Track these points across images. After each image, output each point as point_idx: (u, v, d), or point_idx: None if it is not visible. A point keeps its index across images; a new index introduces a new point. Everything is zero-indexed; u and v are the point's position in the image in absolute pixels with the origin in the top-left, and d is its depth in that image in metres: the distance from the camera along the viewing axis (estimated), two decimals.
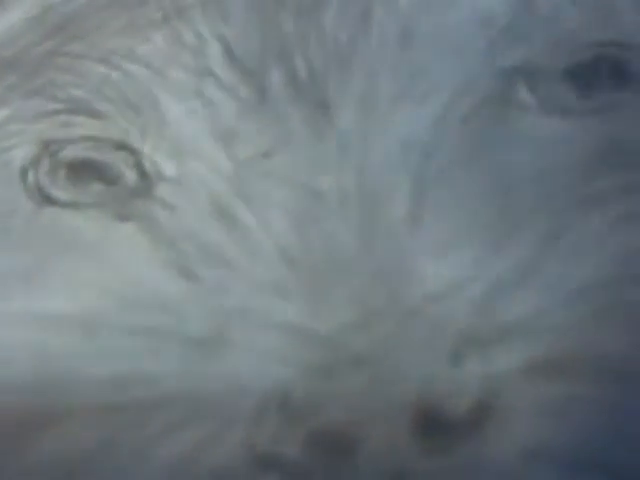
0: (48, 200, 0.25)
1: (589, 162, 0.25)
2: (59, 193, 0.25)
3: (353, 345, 0.22)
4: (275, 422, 0.21)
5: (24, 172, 0.26)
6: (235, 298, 0.23)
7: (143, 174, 0.25)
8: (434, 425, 0.21)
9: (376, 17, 0.27)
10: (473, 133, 0.25)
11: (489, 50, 0.27)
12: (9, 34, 0.29)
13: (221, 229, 0.24)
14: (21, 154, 0.26)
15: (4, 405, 0.22)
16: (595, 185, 0.24)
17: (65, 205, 0.25)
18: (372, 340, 0.22)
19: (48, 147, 0.26)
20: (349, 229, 0.24)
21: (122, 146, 0.26)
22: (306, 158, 0.25)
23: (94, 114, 0.27)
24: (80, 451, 0.22)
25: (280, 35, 0.27)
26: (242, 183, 0.25)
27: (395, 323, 0.22)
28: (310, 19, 0.27)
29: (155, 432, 0.22)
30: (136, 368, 0.22)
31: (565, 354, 0.22)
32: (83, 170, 0.26)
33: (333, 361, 0.22)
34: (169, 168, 0.26)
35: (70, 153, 0.26)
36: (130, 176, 0.25)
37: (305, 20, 0.27)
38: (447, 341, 0.22)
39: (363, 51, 0.26)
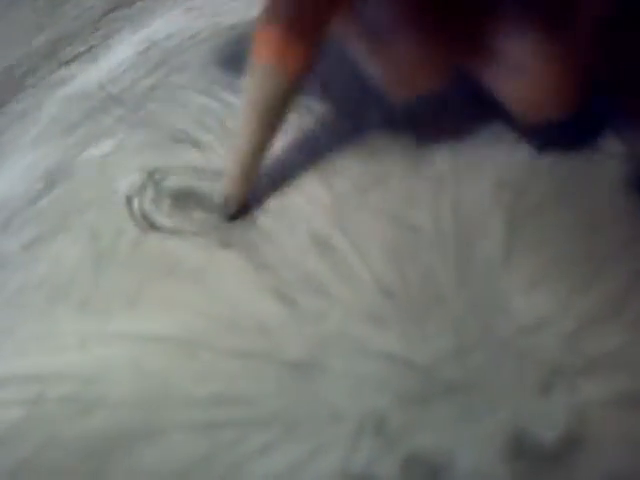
0: (152, 226, 0.26)
1: None
2: (163, 220, 0.26)
3: (447, 375, 0.23)
4: (370, 446, 0.22)
5: (130, 200, 0.27)
6: (332, 325, 0.24)
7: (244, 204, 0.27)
8: (523, 453, 0.22)
9: None
10: (562, 174, 0.26)
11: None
12: (116, 71, 0.30)
13: (320, 259, 0.25)
14: (127, 182, 0.27)
15: (105, 419, 0.23)
16: None
17: (169, 232, 0.26)
18: (465, 370, 0.23)
19: (152, 176, 0.27)
20: (444, 262, 0.25)
21: (222, 175, 0.27)
22: (402, 193, 0.26)
23: (196, 144, 0.28)
24: (177, 466, 0.22)
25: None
26: (340, 215, 0.26)
27: (487, 354, 0.23)
28: None
29: (251, 451, 0.22)
30: (234, 389, 0.23)
31: None
32: (186, 198, 0.27)
33: (427, 389, 0.23)
34: (269, 198, 0.27)
35: (173, 182, 0.27)
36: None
37: None
38: (537, 373, 0.23)
39: (458, 93, 0.27)
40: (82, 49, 0.31)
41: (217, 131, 0.28)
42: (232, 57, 0.29)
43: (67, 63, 0.31)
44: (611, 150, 0.27)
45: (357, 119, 0.27)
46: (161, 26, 0.31)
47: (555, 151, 0.26)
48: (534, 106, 0.25)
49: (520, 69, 0.24)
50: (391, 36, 0.24)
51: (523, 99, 0.25)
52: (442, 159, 0.26)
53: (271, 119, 0.25)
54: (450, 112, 0.27)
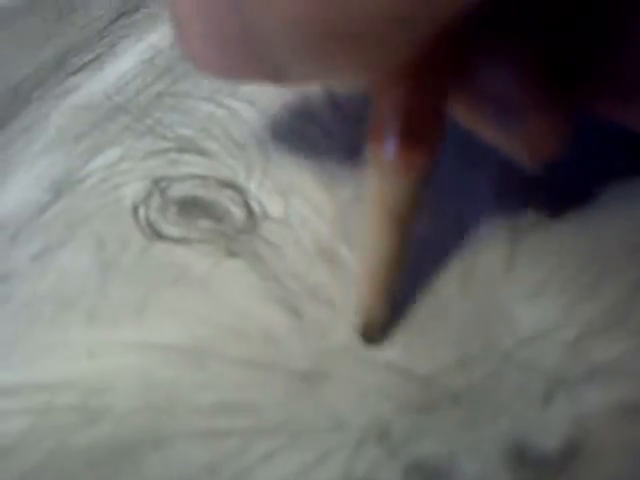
0: (158, 235, 0.27)
1: None
2: (169, 229, 0.27)
3: (450, 385, 0.23)
4: (373, 454, 0.22)
5: (135, 208, 0.27)
6: (337, 336, 0.24)
7: (250, 213, 0.27)
8: (525, 462, 0.22)
9: None
10: (565, 186, 0.26)
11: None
12: (122, 80, 0.30)
13: (324, 268, 0.25)
14: (132, 191, 0.28)
15: (112, 428, 0.23)
16: None
17: (175, 240, 0.26)
18: (468, 381, 0.23)
19: (158, 184, 0.28)
20: (447, 273, 0.25)
21: (229, 184, 0.27)
22: None
23: (201, 152, 0.28)
24: (183, 475, 0.22)
25: None
26: (345, 226, 0.26)
27: (489, 365, 0.23)
28: None
29: (256, 459, 0.22)
30: (241, 397, 0.23)
31: None
32: (192, 207, 0.27)
33: (430, 399, 0.23)
34: (275, 207, 0.27)
35: (179, 190, 0.27)
36: (237, 214, 0.27)
37: None
38: (538, 382, 0.23)
39: None
40: (89, 58, 0.31)
41: (222, 139, 0.28)
42: None
43: (74, 73, 0.31)
44: (614, 160, 0.27)
45: (362, 129, 0.27)
46: (166, 33, 0.31)
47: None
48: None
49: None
50: (519, 109, 0.23)
51: None
52: (444, 167, 0.26)
53: (403, 225, 0.23)
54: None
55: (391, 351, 0.24)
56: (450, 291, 0.25)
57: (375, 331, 0.24)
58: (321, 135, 0.28)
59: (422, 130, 0.22)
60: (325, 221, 0.26)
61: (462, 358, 0.23)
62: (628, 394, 0.23)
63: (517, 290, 0.24)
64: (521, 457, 0.22)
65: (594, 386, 0.23)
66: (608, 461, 0.22)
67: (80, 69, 0.31)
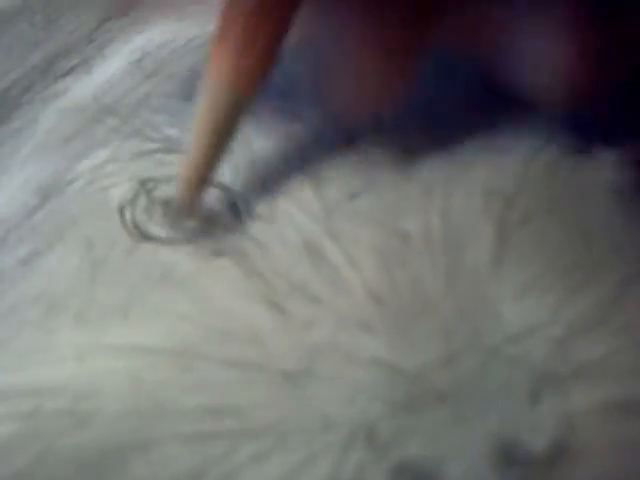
0: (145, 236, 0.26)
1: None
2: (155, 229, 0.27)
3: (436, 382, 0.23)
4: (360, 454, 0.22)
5: (122, 209, 0.27)
6: (323, 333, 0.24)
7: (236, 212, 0.27)
8: (512, 461, 0.22)
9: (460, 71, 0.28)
10: (554, 183, 0.26)
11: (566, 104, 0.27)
12: (110, 82, 0.30)
13: (310, 266, 0.25)
14: (119, 192, 0.28)
15: (100, 432, 0.23)
16: None
17: (161, 241, 0.26)
18: (454, 378, 0.23)
19: (144, 185, 0.27)
20: (434, 269, 0.25)
21: (215, 184, 0.27)
22: (392, 200, 0.26)
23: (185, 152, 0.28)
24: (171, 478, 0.22)
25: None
26: (330, 223, 0.26)
27: (477, 362, 0.23)
28: None
29: (244, 461, 0.22)
30: (227, 399, 0.23)
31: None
32: (176, 208, 0.27)
33: (417, 397, 0.23)
34: (260, 207, 0.27)
35: (165, 191, 0.27)
36: (223, 214, 0.27)
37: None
38: (526, 380, 0.23)
39: (448, 99, 0.27)
40: (77, 62, 0.31)
41: None
42: None
43: (62, 76, 0.31)
44: (602, 156, 0.27)
45: (348, 126, 0.27)
46: (154, 35, 0.31)
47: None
48: (552, 91, 0.25)
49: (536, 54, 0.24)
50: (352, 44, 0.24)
51: (539, 85, 0.25)
52: (432, 166, 0.26)
53: (221, 136, 0.26)
54: (440, 119, 0.27)
55: (377, 347, 0.24)
56: (437, 287, 0.24)
57: (183, 210, 0.26)
58: (307, 132, 0.28)
59: (251, 51, 0.25)
60: (311, 218, 0.26)
61: (448, 354, 0.23)
62: (615, 392, 0.22)
63: (505, 286, 0.24)
64: (509, 456, 0.22)
65: (582, 384, 0.22)
66: (596, 459, 0.22)
67: (68, 72, 0.31)
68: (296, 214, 0.26)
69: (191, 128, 0.26)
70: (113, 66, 0.30)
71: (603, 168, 0.26)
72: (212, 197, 0.27)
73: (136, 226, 0.27)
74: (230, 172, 0.27)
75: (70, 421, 0.23)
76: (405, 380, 0.23)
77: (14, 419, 0.23)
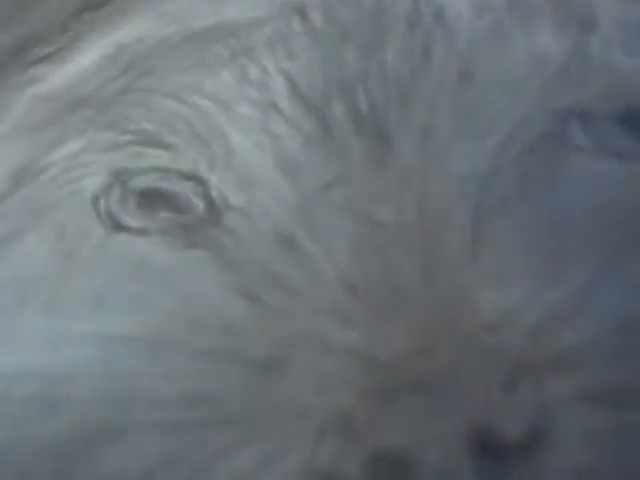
0: (119, 227, 0.26)
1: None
2: (129, 220, 0.26)
3: (412, 371, 0.23)
4: (335, 443, 0.22)
5: (96, 200, 0.27)
6: (297, 323, 0.24)
7: (211, 203, 0.26)
8: (489, 448, 0.22)
9: (436, 54, 0.28)
10: (529, 169, 0.26)
11: (544, 90, 0.28)
12: (85, 73, 0.30)
13: (285, 256, 0.25)
14: (93, 183, 0.27)
15: (71, 420, 0.23)
16: None
17: (135, 232, 0.26)
18: (430, 366, 0.23)
19: (119, 176, 0.27)
20: (410, 258, 0.24)
21: (190, 176, 0.27)
22: (367, 189, 0.26)
23: (163, 146, 0.28)
24: (143, 467, 0.22)
25: (343, 70, 0.28)
26: (305, 213, 0.26)
27: (452, 351, 0.23)
28: (372, 55, 0.28)
29: (216, 450, 0.22)
30: (200, 388, 0.23)
31: (616, 382, 0.22)
32: (153, 199, 0.26)
33: (392, 386, 0.22)
34: (236, 198, 0.26)
35: (140, 182, 0.27)
36: (198, 205, 0.26)
37: (367, 56, 0.28)
38: (502, 368, 0.23)
39: (423, 87, 0.27)
40: (52, 49, 0.31)
41: (185, 133, 0.28)
42: (201, 62, 0.29)
43: (35, 64, 0.30)
44: (577, 142, 0.27)
45: (321, 115, 0.27)
46: (132, 30, 0.31)
47: None
48: None
49: None
50: None
51: None
52: (407, 154, 0.26)
53: None
54: (416, 105, 0.27)
55: (352, 337, 0.23)
56: (412, 275, 0.24)
57: None
58: (283, 124, 0.27)
59: None
60: (286, 209, 0.26)
61: (424, 344, 0.23)
62: (591, 380, 0.22)
63: (481, 274, 0.24)
64: (485, 445, 0.22)
65: (557, 372, 0.22)
66: (571, 447, 0.22)
67: (42, 60, 0.31)
68: (272, 205, 0.26)
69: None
70: (88, 58, 0.30)
71: (581, 156, 0.26)
72: (187, 188, 0.27)
73: (110, 216, 0.26)
74: (205, 163, 0.27)
75: (39, 407, 0.23)
76: (380, 369, 0.23)
77: None
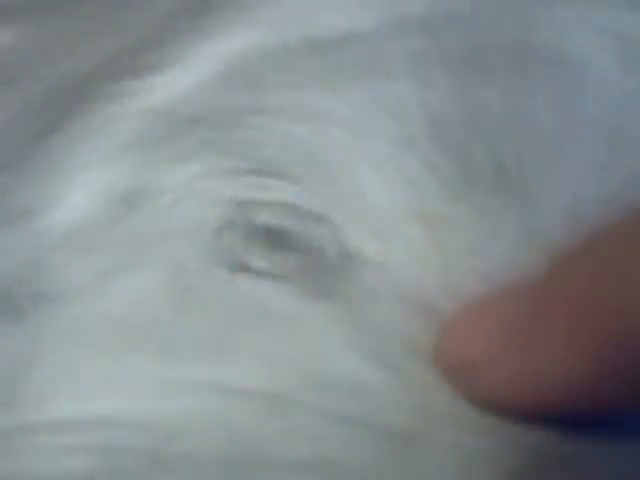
0: (243, 267, 0.24)
1: None
2: (254, 260, 0.24)
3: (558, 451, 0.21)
4: None
5: (219, 234, 0.25)
6: (441, 397, 0.22)
7: (344, 252, 0.24)
8: None
9: (586, 109, 0.26)
10: None
11: None
12: (201, 87, 0.28)
13: (423, 322, 0.23)
14: (215, 214, 0.25)
15: (185, 478, 0.22)
16: None
17: (260, 274, 0.24)
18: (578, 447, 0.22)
19: (243, 209, 0.25)
20: None
21: (322, 218, 0.25)
22: (512, 258, 0.24)
23: (289, 178, 0.25)
24: None
25: (485, 112, 0.26)
26: (448, 277, 0.24)
27: None
28: (517, 101, 0.26)
29: None
30: (323, 453, 0.22)
31: None
32: (280, 238, 0.25)
33: (538, 467, 0.21)
34: (371, 249, 0.24)
35: (266, 218, 0.25)
36: (329, 251, 0.24)
37: (512, 100, 0.26)
38: None
39: (572, 147, 0.25)
40: (159, 59, 0.29)
41: (312, 165, 0.26)
42: (329, 79, 0.27)
43: (143, 73, 0.28)
44: None
45: (463, 163, 0.25)
46: (247, 37, 0.28)
47: None
48: None
49: None
50: None
51: None
52: (553, 222, 0.24)
53: None
54: (565, 168, 0.26)
55: (491, 416, 0.22)
56: None
57: None
58: (422, 167, 0.25)
59: None
60: (427, 270, 0.24)
61: None
62: None
63: None
64: None
65: None
66: None
67: (150, 70, 0.29)
68: (410, 262, 0.24)
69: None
70: (206, 71, 0.28)
71: None
72: (318, 230, 0.25)
73: (234, 254, 0.24)
74: (337, 204, 0.25)
75: (153, 462, 0.22)
76: (527, 449, 0.21)
77: (88, 454, 0.22)
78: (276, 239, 0.25)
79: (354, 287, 0.24)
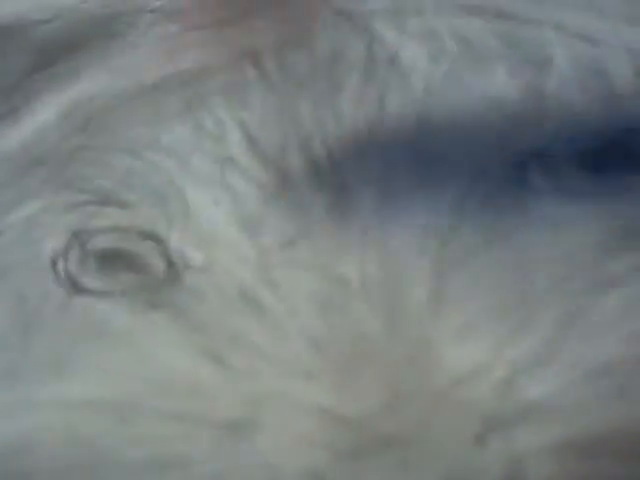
0: (78, 289, 0.26)
1: (603, 244, 0.25)
2: (89, 282, 0.26)
3: (382, 428, 0.23)
4: None
5: (54, 262, 0.26)
6: (265, 382, 0.23)
7: (171, 263, 0.26)
8: None
9: (392, 102, 0.28)
10: (490, 218, 0.26)
11: (501, 135, 0.28)
12: (40, 133, 0.29)
13: (249, 316, 0.25)
14: (51, 244, 0.27)
15: None
16: (609, 266, 0.25)
17: (95, 294, 0.26)
18: (400, 423, 0.23)
19: (77, 237, 0.27)
20: (374, 314, 0.24)
21: (149, 236, 0.26)
22: (329, 244, 0.26)
23: (121, 204, 0.27)
24: None
25: (298, 121, 0.28)
26: (268, 271, 0.25)
27: (421, 406, 0.23)
28: (327, 104, 0.28)
29: None
30: (168, 452, 0.23)
31: (588, 432, 0.22)
32: (112, 260, 0.26)
33: (362, 443, 0.22)
34: (196, 257, 0.26)
35: (99, 243, 0.26)
36: (158, 265, 0.26)
37: (322, 105, 0.28)
38: (472, 423, 0.22)
39: (380, 137, 0.27)
40: (4, 110, 0.30)
41: (141, 190, 0.27)
42: (155, 115, 0.29)
43: None
44: (537, 186, 0.27)
45: (279, 168, 0.27)
46: (84, 87, 0.30)
47: None
48: None
49: None
50: None
51: None
52: (367, 208, 0.26)
53: None
54: (374, 157, 0.27)
55: (320, 395, 0.23)
56: (377, 331, 0.24)
57: None
58: (241, 178, 0.27)
59: None
60: (248, 267, 0.26)
61: (393, 400, 0.23)
62: (562, 431, 0.22)
63: (445, 329, 0.24)
64: None
65: (527, 424, 0.22)
66: None
67: None
68: (233, 264, 0.26)
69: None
70: (42, 117, 0.30)
71: (541, 200, 0.26)
72: (146, 247, 0.26)
73: (70, 279, 0.26)
74: (163, 221, 0.27)
75: None
76: (350, 427, 0.23)
77: None
78: (108, 261, 0.26)
79: (183, 294, 0.25)
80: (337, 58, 0.29)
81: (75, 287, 0.26)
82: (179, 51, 0.31)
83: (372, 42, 0.29)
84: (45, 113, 0.30)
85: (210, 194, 0.27)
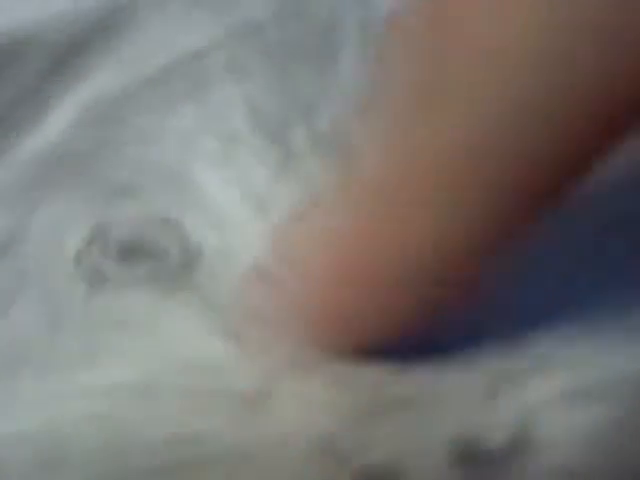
0: (101, 280, 0.27)
1: None
2: (112, 272, 0.27)
3: (392, 390, 0.23)
4: (320, 467, 0.22)
5: (78, 255, 0.27)
6: (279, 354, 0.24)
7: (186, 247, 0.27)
8: (472, 457, 0.22)
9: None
10: None
11: None
12: (60, 132, 0.30)
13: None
14: (75, 238, 0.28)
15: (70, 477, 0.23)
16: None
17: (118, 283, 0.26)
18: (410, 384, 0.23)
19: (99, 229, 0.27)
20: None
21: (165, 222, 0.27)
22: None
23: (136, 194, 0.28)
24: None
25: (299, 89, 0.29)
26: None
27: (431, 365, 0.23)
28: (327, 69, 0.29)
29: None
30: (188, 428, 0.24)
31: (596, 379, 0.22)
32: (133, 248, 0.27)
33: (374, 406, 0.23)
34: (210, 238, 0.27)
35: (120, 233, 0.27)
36: (175, 250, 0.27)
37: (322, 71, 0.29)
38: (482, 377, 0.23)
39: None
40: (26, 112, 0.31)
41: (154, 178, 0.28)
42: (161, 102, 0.30)
43: (12, 128, 0.31)
44: None
45: (284, 142, 0.27)
46: (97, 84, 0.31)
47: None
48: None
49: None
50: None
51: None
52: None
53: None
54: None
55: (332, 362, 0.24)
56: None
57: None
58: (248, 156, 0.28)
59: None
60: (261, 245, 0.26)
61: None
62: (570, 381, 0.22)
63: None
64: (469, 454, 0.22)
65: (537, 375, 0.22)
66: (557, 449, 0.22)
67: (18, 124, 0.31)
68: (244, 241, 0.26)
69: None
70: (62, 115, 0.30)
71: None
72: (163, 234, 0.27)
73: (93, 270, 0.27)
74: (176, 206, 0.28)
75: (38, 469, 0.23)
76: (363, 391, 0.23)
77: None
78: (130, 249, 0.27)
79: (200, 276, 0.26)
80: (335, 21, 0.30)
81: (98, 278, 0.27)
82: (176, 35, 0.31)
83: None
84: (65, 111, 0.31)
85: (218, 174, 0.28)
